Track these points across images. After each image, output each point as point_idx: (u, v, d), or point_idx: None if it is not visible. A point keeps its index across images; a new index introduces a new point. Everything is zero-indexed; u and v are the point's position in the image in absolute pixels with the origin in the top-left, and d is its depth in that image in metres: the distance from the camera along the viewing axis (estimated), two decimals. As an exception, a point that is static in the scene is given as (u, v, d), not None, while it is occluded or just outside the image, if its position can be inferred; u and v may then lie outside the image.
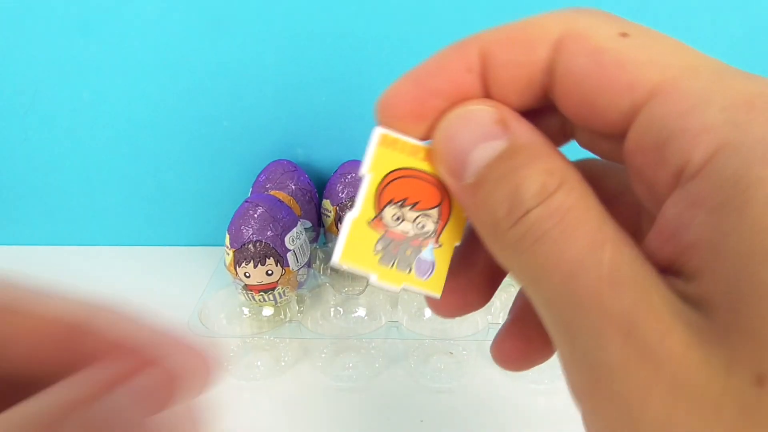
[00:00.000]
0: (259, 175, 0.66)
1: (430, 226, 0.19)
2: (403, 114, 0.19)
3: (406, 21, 0.61)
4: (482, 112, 0.18)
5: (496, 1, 0.59)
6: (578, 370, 0.15)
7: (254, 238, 0.54)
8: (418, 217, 0.19)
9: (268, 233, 0.54)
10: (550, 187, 0.15)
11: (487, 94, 0.18)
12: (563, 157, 0.17)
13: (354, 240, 0.19)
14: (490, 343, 0.22)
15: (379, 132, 0.19)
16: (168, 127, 0.68)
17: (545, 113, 0.19)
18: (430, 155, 0.19)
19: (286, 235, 0.55)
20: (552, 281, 0.15)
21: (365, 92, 0.64)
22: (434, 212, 0.19)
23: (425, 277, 0.19)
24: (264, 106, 0.66)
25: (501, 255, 0.17)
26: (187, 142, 0.69)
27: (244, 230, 0.54)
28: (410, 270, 0.19)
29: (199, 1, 0.61)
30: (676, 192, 0.15)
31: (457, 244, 0.19)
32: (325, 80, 0.65)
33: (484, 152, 0.17)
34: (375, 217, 0.19)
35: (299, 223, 0.57)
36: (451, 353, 0.56)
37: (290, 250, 0.55)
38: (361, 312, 0.60)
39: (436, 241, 0.19)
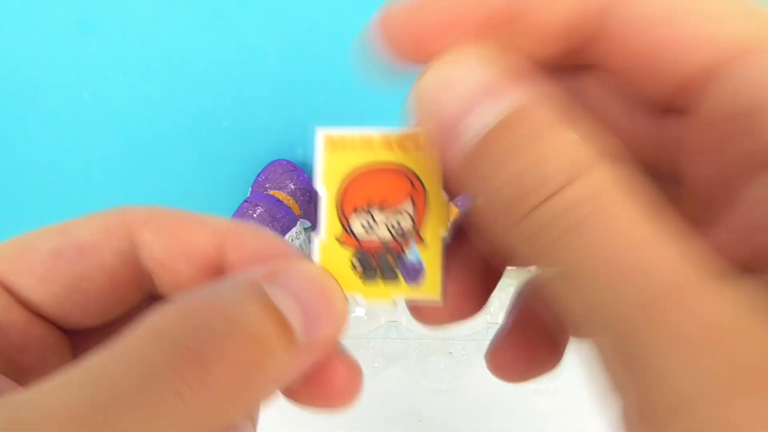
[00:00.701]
0: (258, 175, 0.66)
1: (406, 223, 0.17)
2: (408, 42, 0.14)
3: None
4: (483, 59, 0.14)
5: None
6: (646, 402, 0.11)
7: (254, 238, 0.54)
8: (390, 217, 0.17)
9: (268, 233, 0.54)
10: (587, 158, 0.12)
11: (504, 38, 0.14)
12: (593, 121, 0.14)
13: (327, 264, 0.17)
14: (488, 347, 0.19)
15: (321, 134, 0.17)
16: (167, 126, 0.68)
17: (562, 77, 0.15)
18: (386, 141, 0.16)
19: (285, 235, 0.55)
20: (598, 282, 0.11)
21: (365, 92, 0.64)
22: (407, 205, 0.16)
23: (417, 282, 0.16)
24: (263, 106, 0.66)
25: (516, 246, 0.13)
26: (186, 141, 0.69)
27: (244, 230, 0.54)
28: (398, 278, 0.17)
29: (199, 1, 0.61)
30: (756, 180, 0.12)
31: (443, 231, 0.16)
32: (325, 80, 0.65)
33: (488, 111, 0.13)
34: (343, 232, 0.17)
35: (299, 222, 0.57)
36: (451, 353, 0.56)
37: (290, 250, 0.56)
38: (360, 311, 0.60)
39: (419, 238, 0.17)
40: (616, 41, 0.14)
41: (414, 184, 0.16)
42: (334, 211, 0.17)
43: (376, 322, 0.58)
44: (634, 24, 0.13)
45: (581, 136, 0.12)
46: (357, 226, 0.17)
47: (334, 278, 0.16)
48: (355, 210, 0.17)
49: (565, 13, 0.14)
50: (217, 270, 0.17)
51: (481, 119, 0.13)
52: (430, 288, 0.17)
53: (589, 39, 0.14)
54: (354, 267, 0.17)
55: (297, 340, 0.14)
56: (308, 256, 0.17)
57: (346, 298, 0.16)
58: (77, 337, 0.18)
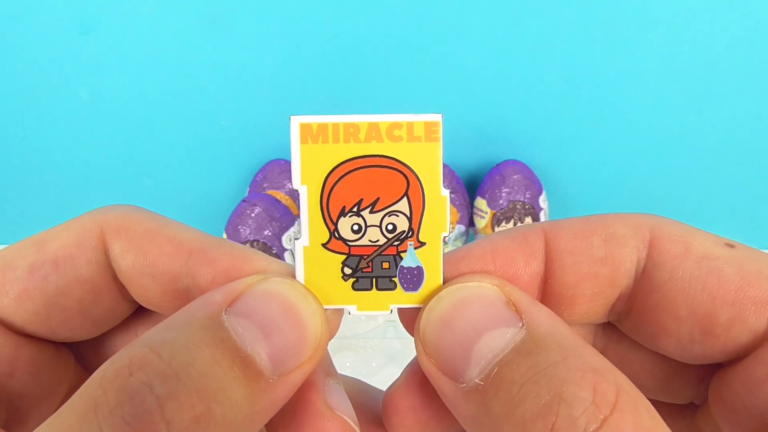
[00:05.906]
0: (256, 175, 0.66)
1: (402, 224, 0.15)
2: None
3: (404, 21, 0.61)
4: (487, 290, 0.14)
5: (497, 4, 0.59)
6: None
7: (251, 238, 0.54)
8: (383, 217, 0.15)
9: (266, 233, 0.54)
10: (609, 397, 0.11)
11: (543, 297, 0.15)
12: (599, 354, 0.13)
13: (313, 273, 0.15)
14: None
15: (297, 122, 0.15)
16: (165, 126, 0.68)
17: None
18: (374, 130, 0.14)
19: (283, 234, 0.55)
20: None
21: (363, 91, 0.64)
22: (402, 204, 0.15)
23: (417, 288, 0.15)
24: (262, 106, 0.66)
25: None
26: (184, 141, 0.69)
27: (242, 230, 0.54)
28: (396, 286, 0.15)
29: (197, 1, 0.61)
30: None
31: (445, 233, 0.15)
32: (323, 79, 0.65)
33: (494, 343, 0.13)
34: (330, 236, 0.15)
35: (297, 222, 0.57)
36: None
37: (288, 250, 0.55)
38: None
39: (417, 240, 0.15)
40: (651, 303, 0.14)
41: (409, 179, 0.15)
42: (319, 214, 0.15)
43: (374, 322, 0.58)
44: (676, 285, 0.14)
45: (596, 367, 0.12)
46: (346, 229, 0.15)
47: (309, 293, 0.15)
48: (343, 211, 0.15)
49: (600, 272, 0.14)
50: (183, 291, 0.16)
51: (491, 348, 0.13)
52: (431, 295, 0.15)
53: (619, 301, 0.15)
54: (344, 275, 0.15)
55: (263, 373, 0.13)
56: (292, 264, 0.16)
57: (320, 316, 0.14)
58: (82, 348, 0.18)
